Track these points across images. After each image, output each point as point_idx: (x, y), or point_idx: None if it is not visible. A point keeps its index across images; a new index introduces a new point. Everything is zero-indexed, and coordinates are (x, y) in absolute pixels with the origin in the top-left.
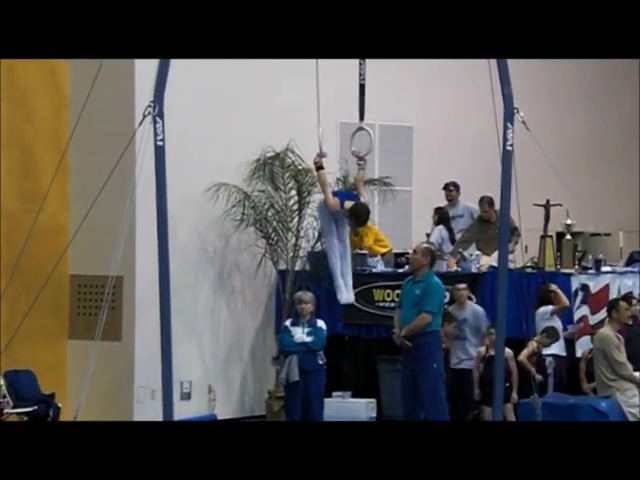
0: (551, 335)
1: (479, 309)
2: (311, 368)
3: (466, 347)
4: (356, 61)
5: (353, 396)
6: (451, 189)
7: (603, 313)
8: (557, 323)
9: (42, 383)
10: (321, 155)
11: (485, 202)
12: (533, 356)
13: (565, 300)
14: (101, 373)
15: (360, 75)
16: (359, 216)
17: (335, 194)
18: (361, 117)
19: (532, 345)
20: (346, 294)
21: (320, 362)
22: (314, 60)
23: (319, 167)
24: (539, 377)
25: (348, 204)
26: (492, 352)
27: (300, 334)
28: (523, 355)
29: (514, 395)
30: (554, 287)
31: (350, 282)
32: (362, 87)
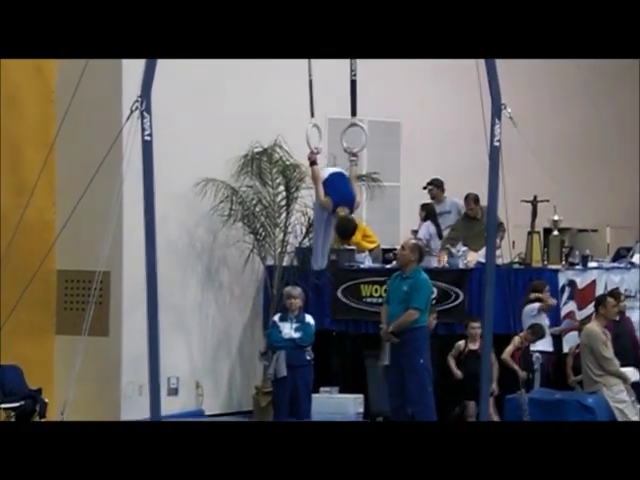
0: (537, 332)
1: None
2: (299, 364)
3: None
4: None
5: (341, 392)
6: (431, 188)
7: (590, 309)
8: (544, 320)
9: (29, 378)
10: (315, 151)
11: (470, 199)
12: (517, 352)
13: (551, 300)
14: (88, 368)
15: (352, 71)
16: (345, 231)
17: (327, 181)
18: (353, 113)
19: (516, 342)
20: (321, 261)
21: (308, 358)
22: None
23: (312, 162)
24: (523, 374)
25: (341, 210)
26: (472, 346)
27: (288, 329)
28: (506, 353)
29: (493, 386)
30: (536, 294)
31: (326, 252)
32: (353, 83)
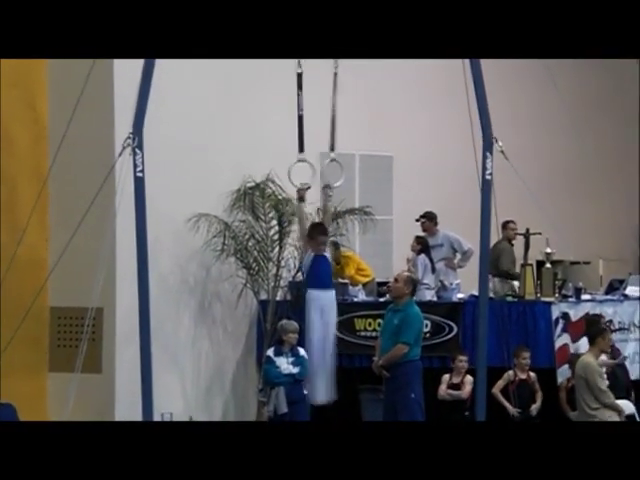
0: None
1: None
2: (297, 399)
3: None
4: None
5: None
6: (423, 221)
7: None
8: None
9: (22, 416)
10: (304, 187)
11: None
12: (512, 385)
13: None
14: (82, 405)
15: (332, 106)
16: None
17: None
18: (332, 148)
19: (507, 376)
20: (324, 392)
21: (305, 392)
22: (293, 92)
23: (300, 198)
24: (513, 410)
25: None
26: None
27: (285, 364)
28: (496, 387)
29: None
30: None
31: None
32: (333, 118)
